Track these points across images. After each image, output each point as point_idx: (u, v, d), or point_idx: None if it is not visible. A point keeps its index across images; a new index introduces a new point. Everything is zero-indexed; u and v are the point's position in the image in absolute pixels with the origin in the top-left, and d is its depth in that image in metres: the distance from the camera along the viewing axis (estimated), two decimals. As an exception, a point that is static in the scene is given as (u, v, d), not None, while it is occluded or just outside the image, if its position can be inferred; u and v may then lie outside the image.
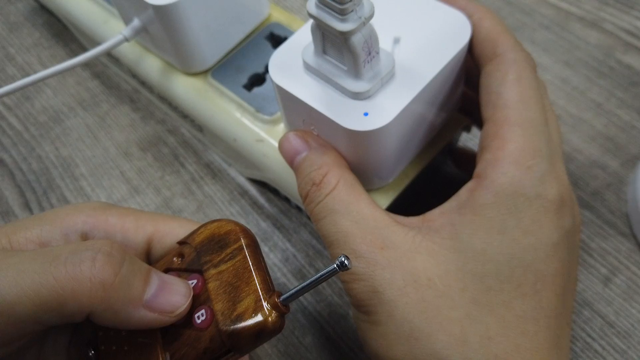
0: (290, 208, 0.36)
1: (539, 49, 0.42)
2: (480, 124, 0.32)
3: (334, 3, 0.22)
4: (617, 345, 0.30)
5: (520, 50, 0.26)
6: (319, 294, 0.33)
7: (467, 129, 0.33)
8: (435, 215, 0.24)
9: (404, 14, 0.27)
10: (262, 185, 0.37)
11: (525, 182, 0.23)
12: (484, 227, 0.23)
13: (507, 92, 0.25)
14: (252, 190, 0.37)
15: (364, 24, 0.22)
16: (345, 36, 0.23)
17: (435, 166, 0.33)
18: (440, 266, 0.23)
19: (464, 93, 0.31)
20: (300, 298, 0.33)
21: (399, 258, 0.23)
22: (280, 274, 0.34)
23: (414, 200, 0.31)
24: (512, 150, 0.23)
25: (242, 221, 0.36)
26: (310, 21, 0.27)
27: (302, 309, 0.33)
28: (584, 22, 0.43)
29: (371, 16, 0.23)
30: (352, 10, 0.22)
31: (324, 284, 0.33)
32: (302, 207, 0.34)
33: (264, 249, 0.35)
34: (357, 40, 0.23)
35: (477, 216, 0.23)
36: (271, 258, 0.35)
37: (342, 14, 0.22)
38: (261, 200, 0.37)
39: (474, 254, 0.23)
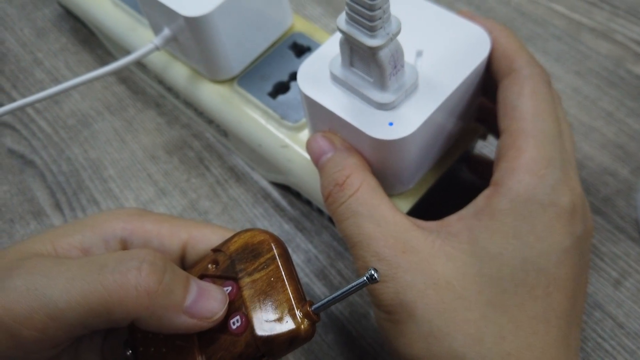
0: (312, 211, 0.37)
1: (551, 59, 0.43)
2: (495, 132, 0.33)
3: (364, 20, 0.23)
4: (627, 346, 0.32)
5: (535, 65, 0.27)
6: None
7: (483, 137, 0.34)
8: (453, 220, 0.26)
9: (426, 28, 0.29)
10: (285, 188, 0.39)
11: (538, 190, 0.24)
12: (500, 233, 0.24)
13: (522, 105, 0.26)
14: (275, 193, 0.39)
15: (391, 39, 0.24)
16: (373, 51, 0.24)
17: (452, 172, 0.35)
18: (459, 270, 0.24)
19: (481, 103, 0.32)
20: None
21: (419, 262, 0.24)
22: (303, 274, 0.35)
23: (431, 205, 0.32)
24: (527, 160, 0.25)
25: (266, 223, 0.37)
26: (337, 34, 0.29)
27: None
28: (595, 33, 0.44)
29: (398, 32, 0.24)
30: (381, 27, 0.23)
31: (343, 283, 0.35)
32: (323, 209, 0.35)
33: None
34: (384, 54, 0.24)
35: (493, 222, 0.24)
36: (294, 259, 0.36)
37: (371, 30, 0.23)
38: (283, 203, 0.38)
39: (490, 258, 0.24)
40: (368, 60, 0.25)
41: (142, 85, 0.45)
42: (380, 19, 0.23)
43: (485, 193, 0.26)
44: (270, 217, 0.38)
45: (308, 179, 0.33)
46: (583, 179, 0.38)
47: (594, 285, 0.34)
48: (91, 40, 0.49)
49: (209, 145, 0.41)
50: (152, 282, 0.21)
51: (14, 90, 0.46)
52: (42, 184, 0.41)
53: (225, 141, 0.40)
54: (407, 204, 0.31)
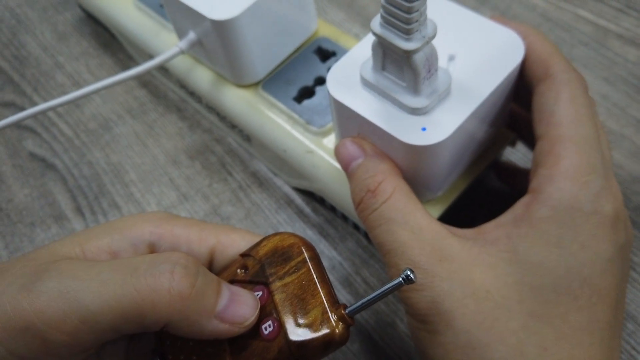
0: (336, 217, 0.37)
1: (578, 65, 0.42)
2: (526, 139, 0.33)
3: (400, 23, 0.23)
4: (661, 359, 0.31)
5: (572, 70, 0.27)
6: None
7: (513, 144, 0.34)
8: (491, 227, 0.25)
9: (459, 32, 0.28)
10: (308, 194, 0.38)
11: (581, 197, 0.24)
12: (541, 241, 0.23)
13: (560, 110, 0.25)
14: (298, 199, 0.38)
15: (427, 42, 0.23)
16: (408, 54, 0.23)
17: (480, 179, 0.34)
18: (499, 278, 0.23)
19: (511, 109, 0.31)
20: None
21: (457, 270, 0.23)
22: (326, 281, 0.35)
23: (459, 212, 0.32)
24: (568, 167, 0.24)
25: (289, 229, 0.37)
26: (367, 38, 0.28)
27: (347, 316, 0.33)
28: (623, 40, 0.43)
29: (434, 36, 0.23)
30: (417, 30, 0.23)
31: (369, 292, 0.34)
32: (349, 215, 0.34)
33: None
34: (419, 58, 0.24)
35: (534, 229, 0.24)
36: (317, 266, 0.35)
37: (407, 33, 0.23)
38: (307, 209, 0.38)
39: (531, 266, 0.23)
40: (401, 64, 0.25)
41: (163, 90, 0.45)
42: (416, 21, 0.23)
43: (524, 200, 0.25)
44: (294, 223, 0.37)
45: (333, 185, 0.33)
46: (612, 187, 0.37)
47: (628, 296, 0.33)
48: (112, 44, 0.49)
49: (231, 150, 0.41)
50: (185, 286, 0.21)
51: (35, 94, 0.46)
52: (64, 188, 0.41)
53: (248, 146, 0.40)
54: (436, 211, 0.30)
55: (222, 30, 0.32)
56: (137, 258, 0.22)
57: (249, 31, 0.33)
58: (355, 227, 0.36)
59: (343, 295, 0.34)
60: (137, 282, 0.20)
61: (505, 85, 0.27)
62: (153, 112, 0.44)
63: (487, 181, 0.37)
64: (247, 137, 0.38)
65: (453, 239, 0.24)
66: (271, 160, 0.38)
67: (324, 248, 0.36)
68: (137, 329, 0.21)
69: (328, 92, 0.27)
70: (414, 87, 0.25)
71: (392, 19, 0.23)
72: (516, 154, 0.38)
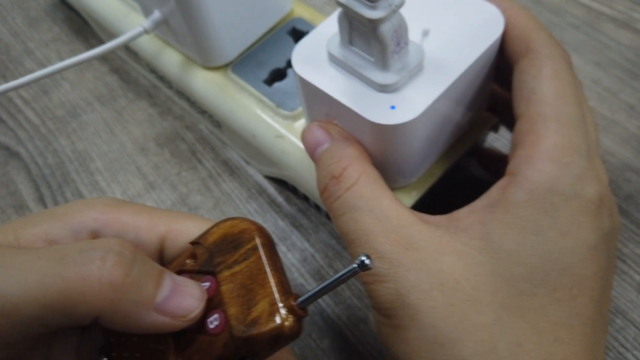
0: (309, 207, 0.35)
1: (569, 49, 0.40)
2: (510, 123, 0.31)
3: (363, -11, 0.21)
4: (652, 357, 0.29)
5: (555, 45, 0.25)
6: (337, 296, 0.32)
7: (495, 129, 0.32)
8: (464, 213, 0.23)
9: (434, 5, 0.26)
10: (281, 183, 0.36)
11: (562, 179, 0.22)
12: (516, 227, 0.22)
13: (542, 87, 0.24)
14: (271, 188, 0.36)
15: (394, 11, 0.21)
16: (374, 24, 0.22)
17: (461, 166, 0.32)
18: (470, 268, 0.21)
19: (493, 91, 0.29)
20: (319, 300, 0.32)
21: (424, 259, 0.21)
22: (298, 274, 0.33)
23: (438, 201, 0.30)
24: (548, 147, 0.22)
25: (260, 220, 0.35)
26: (336, 12, 0.26)
27: (320, 311, 0.32)
28: (616, 23, 0.41)
29: (402, 4, 0.22)
30: (382, -3, 0.21)
31: (343, 285, 0.32)
32: (320, 204, 0.33)
33: (282, 248, 0.34)
34: (386, 29, 0.22)
35: (509, 215, 0.22)
36: (289, 258, 0.34)
37: (371, 0, 0.21)
38: (279, 198, 0.36)
39: (505, 255, 0.21)
40: (368, 37, 0.23)
41: (134, 75, 0.43)
42: (381, -13, 0.21)
43: (500, 184, 0.23)
44: (265, 213, 0.35)
45: (304, 171, 0.31)
46: (603, 176, 0.35)
47: (616, 290, 0.31)
48: (85, 30, 0.47)
49: (202, 138, 0.39)
50: (118, 275, 0.19)
51: (2, 80, 0.44)
52: (27, 177, 0.39)
53: (219, 133, 0.38)
54: (410, 198, 0.28)
55: (185, 7, 0.30)
56: (68, 245, 0.20)
57: (215, 8, 0.31)
58: (329, 217, 0.34)
59: (315, 289, 0.32)
60: (65, 270, 0.18)
61: (484, 61, 0.25)
62: (123, 99, 0.42)
63: (470, 169, 0.35)
64: (217, 123, 0.36)
65: (422, 226, 0.22)
66: (242, 147, 0.36)
67: (296, 239, 0.34)
68: (68, 322, 0.19)
69: (293, 69, 0.25)
70: (382, 62, 0.23)
71: (356, -15, 0.21)
72: (501, 140, 0.37)
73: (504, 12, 0.26)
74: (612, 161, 0.35)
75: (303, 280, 0.33)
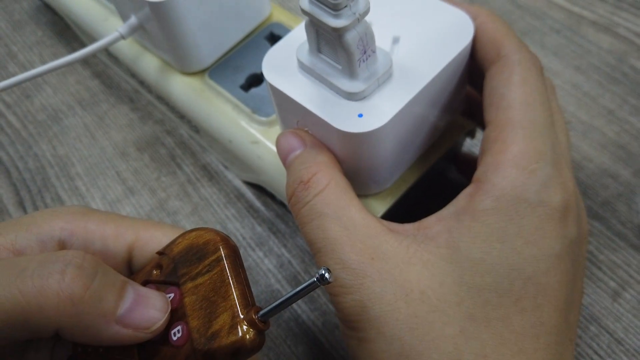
0: (287, 212, 0.35)
1: (550, 54, 0.40)
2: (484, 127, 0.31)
3: (327, -2, 0.21)
4: (625, 364, 0.29)
5: (525, 51, 0.25)
6: (313, 302, 0.32)
7: (471, 135, 0.32)
8: (432, 222, 0.23)
9: (404, 13, 0.26)
10: (259, 188, 0.36)
11: (527, 186, 0.22)
12: (482, 235, 0.21)
13: (511, 93, 0.23)
14: (249, 193, 0.36)
15: (358, 20, 0.21)
16: (338, 33, 0.21)
17: (438, 172, 0.32)
18: (435, 278, 0.21)
19: (469, 96, 0.29)
20: (294, 306, 0.32)
21: (390, 270, 0.21)
22: (275, 280, 0.33)
23: (414, 207, 0.30)
24: (515, 153, 0.22)
25: (237, 225, 0.35)
26: (305, 19, 0.26)
27: (295, 317, 0.32)
28: (597, 27, 0.41)
29: (366, 12, 0.21)
30: (345, 6, 0.21)
31: (318, 291, 0.32)
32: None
33: (259, 254, 0.34)
34: (351, 37, 0.22)
35: (475, 223, 0.22)
36: (266, 264, 0.33)
37: (335, 9, 0.21)
38: (257, 203, 0.36)
39: (471, 264, 0.21)
40: (335, 45, 0.23)
41: (116, 80, 0.43)
42: (344, -5, 0.21)
43: (467, 191, 0.23)
44: (243, 218, 0.35)
45: (279, 178, 0.31)
46: (581, 180, 0.35)
47: (590, 297, 0.31)
48: (67, 33, 0.47)
49: (182, 142, 0.39)
50: (77, 288, 0.19)
51: (-17, 83, 0.44)
52: (7, 181, 0.39)
53: (198, 138, 0.38)
54: (383, 206, 0.28)
55: (160, 13, 0.30)
56: (28, 257, 0.20)
57: (191, 14, 0.31)
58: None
59: (291, 295, 0.32)
60: (23, 283, 0.18)
61: (454, 68, 0.25)
62: (104, 103, 0.42)
63: (448, 175, 0.35)
64: (195, 128, 0.36)
65: (389, 236, 0.22)
66: (220, 152, 0.36)
67: (273, 245, 0.34)
68: (27, 335, 0.19)
69: (264, 77, 0.25)
70: (350, 70, 0.23)
71: (320, -6, 0.21)
72: (479, 145, 0.37)
73: (474, 18, 0.26)
74: (590, 167, 0.35)
75: (279, 285, 0.33)
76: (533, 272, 0.21)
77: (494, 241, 0.21)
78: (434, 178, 0.31)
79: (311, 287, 0.18)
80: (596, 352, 0.29)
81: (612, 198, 0.34)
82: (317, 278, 0.18)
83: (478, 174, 0.23)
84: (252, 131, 0.32)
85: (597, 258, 0.32)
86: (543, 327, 0.21)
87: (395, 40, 0.25)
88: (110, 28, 0.38)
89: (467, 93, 0.29)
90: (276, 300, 0.19)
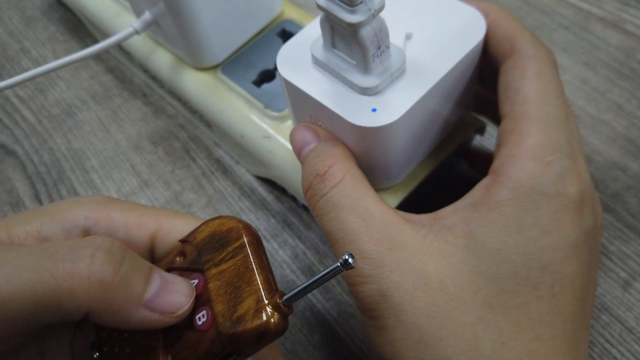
0: (298, 207, 0.36)
1: (558, 49, 0.41)
2: (498, 121, 0.31)
3: (343, -6, 0.21)
4: (636, 352, 0.29)
5: (539, 45, 0.25)
6: (328, 291, 0.33)
7: (481, 132, 0.32)
8: (448, 212, 0.23)
9: (417, 10, 0.26)
10: (270, 183, 0.37)
11: (544, 178, 0.22)
12: (499, 225, 0.22)
13: (526, 87, 0.24)
14: (262, 187, 0.37)
15: (373, 16, 0.22)
16: (354, 28, 0.22)
17: (448, 168, 0.33)
18: (452, 267, 0.22)
19: (479, 93, 0.30)
20: (309, 296, 0.32)
21: (408, 259, 0.22)
22: (290, 270, 0.34)
23: (424, 202, 0.30)
24: (531, 146, 0.23)
25: (252, 217, 0.36)
26: (320, 14, 0.27)
27: (310, 306, 0.32)
28: (605, 23, 0.42)
29: (381, 8, 0.22)
30: (361, 2, 0.21)
31: (333, 281, 0.33)
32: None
33: (274, 245, 0.34)
34: (366, 33, 0.22)
35: (492, 213, 0.22)
36: (280, 255, 0.34)
37: (351, 5, 0.21)
38: (270, 196, 0.36)
39: (488, 253, 0.22)
40: (350, 41, 0.23)
41: (129, 75, 0.44)
42: (360, -8, 0.21)
43: (484, 182, 0.23)
44: (257, 210, 0.36)
45: (291, 172, 0.31)
46: (591, 174, 0.34)
47: (602, 287, 0.31)
48: (80, 29, 0.47)
49: (195, 136, 0.40)
50: (107, 272, 0.19)
51: (-2, 78, 0.45)
52: (23, 175, 0.39)
53: (210, 133, 0.38)
54: (394, 200, 0.28)
55: (174, 8, 0.31)
56: (58, 242, 0.20)
57: (205, 10, 0.31)
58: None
59: (304, 286, 0.33)
60: (54, 267, 0.19)
61: (466, 65, 0.26)
62: (118, 98, 0.42)
63: (460, 170, 0.36)
64: (207, 123, 0.37)
65: (406, 226, 0.23)
66: (232, 147, 0.37)
67: (287, 237, 0.35)
68: (57, 318, 0.20)
69: (278, 71, 0.26)
70: (364, 65, 0.24)
71: (335, -11, 0.21)
72: (490, 140, 0.37)
73: (486, 14, 0.26)
74: (599, 160, 0.36)
75: (294, 276, 0.33)
76: (549, 261, 0.22)
77: (511, 231, 0.22)
78: (443, 174, 0.31)
79: (335, 272, 0.19)
80: (608, 341, 0.30)
81: (621, 190, 0.34)
82: (340, 263, 0.18)
83: (494, 166, 0.24)
84: (264, 126, 0.32)
85: (608, 249, 0.33)
86: (560, 315, 0.22)
87: (408, 37, 0.26)
88: (122, 24, 0.38)
89: (477, 91, 0.30)
90: (299, 285, 0.20)
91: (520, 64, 0.24)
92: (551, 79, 0.24)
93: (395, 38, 0.25)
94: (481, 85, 0.29)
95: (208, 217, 0.31)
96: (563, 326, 0.22)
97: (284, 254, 0.34)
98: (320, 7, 0.23)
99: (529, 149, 0.23)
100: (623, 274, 0.32)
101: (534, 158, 0.22)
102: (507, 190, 0.22)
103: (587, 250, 0.23)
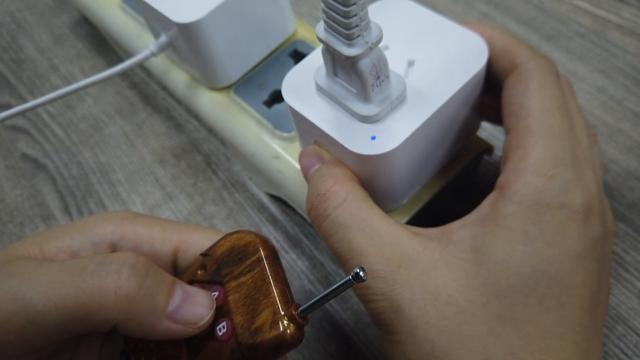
0: (308, 226, 0.37)
1: (575, 58, 0.40)
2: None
3: (340, 28, 0.22)
4: (650, 365, 0.29)
5: (539, 57, 0.25)
6: (344, 301, 0.33)
7: (489, 153, 0.32)
8: (456, 227, 0.24)
9: (420, 36, 0.27)
10: (282, 202, 0.38)
11: (547, 192, 0.23)
12: (505, 238, 0.22)
13: (528, 102, 0.24)
14: (272, 207, 0.38)
15: (370, 48, 0.22)
16: (352, 60, 0.23)
17: (454, 189, 0.32)
18: (461, 281, 0.22)
19: (484, 102, 0.30)
20: (327, 306, 0.33)
21: (418, 275, 0.22)
22: (307, 281, 0.35)
23: (428, 225, 0.31)
24: (534, 160, 0.23)
25: (271, 228, 0.37)
26: (322, 45, 0.28)
27: (327, 316, 0.33)
28: (622, 30, 0.41)
29: (379, 41, 0.22)
30: (358, 36, 0.22)
31: (349, 292, 0.34)
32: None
33: (292, 255, 0.36)
34: (364, 64, 0.23)
35: (499, 227, 0.23)
36: (299, 265, 0.35)
37: (348, 39, 0.22)
38: (289, 209, 0.37)
39: (495, 266, 0.22)
40: (349, 71, 0.24)
41: (151, 91, 0.45)
42: (357, 26, 0.22)
43: (490, 198, 0.24)
44: (276, 222, 0.37)
45: (300, 192, 0.32)
46: (607, 183, 0.35)
47: (617, 297, 0.31)
48: (105, 46, 0.49)
49: (217, 149, 0.41)
50: (132, 286, 0.21)
51: (30, 95, 0.47)
52: (53, 188, 0.41)
53: (225, 150, 0.39)
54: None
55: (187, 33, 0.32)
56: (87, 258, 0.22)
57: (217, 34, 0.32)
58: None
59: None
60: (84, 282, 0.21)
61: (469, 91, 0.26)
62: (142, 112, 0.44)
63: (474, 184, 0.36)
64: (222, 140, 0.38)
65: (414, 241, 0.23)
66: (245, 165, 0.38)
67: (305, 247, 0.36)
68: (87, 329, 0.21)
69: (283, 98, 0.27)
70: (363, 95, 0.24)
71: (333, 24, 0.22)
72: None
73: (482, 34, 0.26)
74: (616, 169, 0.36)
75: (312, 286, 0.34)
76: (556, 273, 0.22)
77: (517, 244, 0.22)
78: (448, 195, 0.32)
79: (347, 285, 0.20)
80: (623, 352, 0.30)
81: (638, 200, 0.34)
82: (352, 276, 0.19)
83: (500, 181, 0.24)
84: (274, 146, 0.33)
85: (624, 259, 0.32)
86: (569, 324, 0.22)
87: (410, 64, 0.26)
88: (143, 44, 0.40)
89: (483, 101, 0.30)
90: (313, 298, 0.21)
91: (522, 79, 0.25)
92: (553, 91, 0.25)
93: (398, 64, 0.26)
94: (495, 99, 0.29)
95: (229, 229, 0.33)
96: (572, 337, 0.22)
97: (302, 264, 0.35)
98: (320, 40, 0.23)
99: (533, 163, 0.23)
100: (639, 285, 0.32)
101: (538, 172, 0.23)
102: (513, 205, 0.23)
103: (596, 259, 0.23)
